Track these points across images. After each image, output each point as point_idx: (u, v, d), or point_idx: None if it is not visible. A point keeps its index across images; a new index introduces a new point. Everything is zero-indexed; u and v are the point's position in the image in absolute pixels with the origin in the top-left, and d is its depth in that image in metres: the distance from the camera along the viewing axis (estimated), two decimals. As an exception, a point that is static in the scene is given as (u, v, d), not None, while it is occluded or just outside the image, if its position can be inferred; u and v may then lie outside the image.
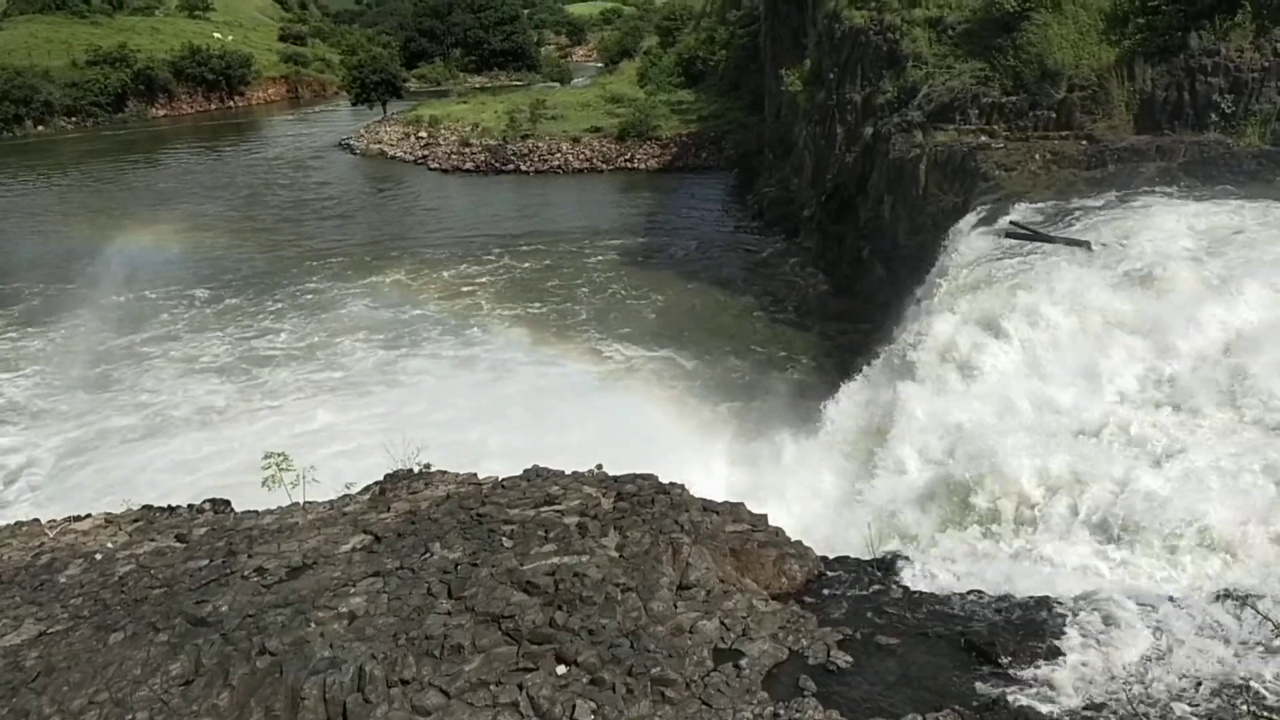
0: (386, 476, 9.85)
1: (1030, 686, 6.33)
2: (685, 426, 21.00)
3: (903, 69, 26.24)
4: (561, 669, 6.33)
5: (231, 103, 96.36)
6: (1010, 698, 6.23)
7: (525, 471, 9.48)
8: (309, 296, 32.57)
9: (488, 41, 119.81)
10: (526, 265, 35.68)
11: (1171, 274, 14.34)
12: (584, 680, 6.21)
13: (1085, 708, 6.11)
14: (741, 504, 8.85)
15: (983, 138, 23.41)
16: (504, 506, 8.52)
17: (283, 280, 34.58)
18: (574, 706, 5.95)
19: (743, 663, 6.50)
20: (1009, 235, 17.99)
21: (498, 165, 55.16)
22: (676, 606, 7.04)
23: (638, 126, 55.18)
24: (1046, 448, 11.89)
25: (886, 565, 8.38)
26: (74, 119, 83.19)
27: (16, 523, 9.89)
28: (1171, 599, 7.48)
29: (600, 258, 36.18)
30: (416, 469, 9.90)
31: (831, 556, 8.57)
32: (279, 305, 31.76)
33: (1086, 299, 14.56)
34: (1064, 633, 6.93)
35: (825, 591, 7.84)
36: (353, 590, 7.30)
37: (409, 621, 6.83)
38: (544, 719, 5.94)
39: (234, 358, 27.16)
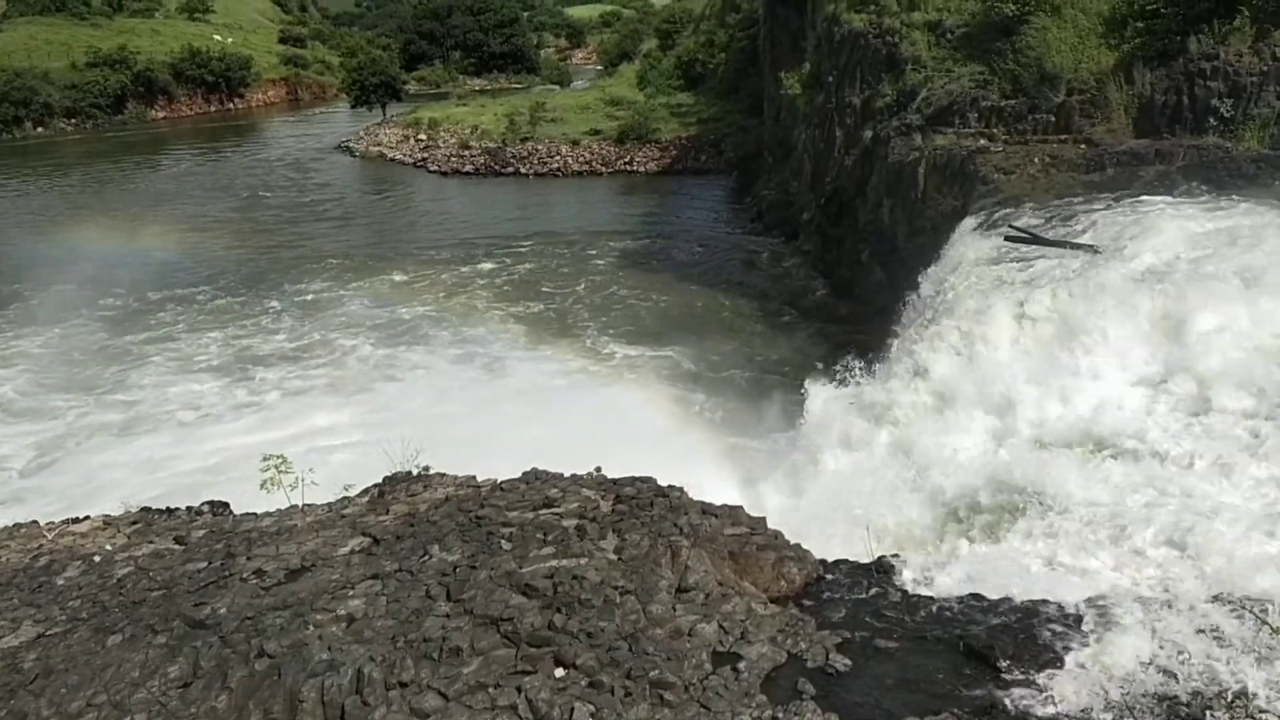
0: (385, 479, 9.85)
1: (1029, 690, 6.33)
2: (685, 427, 21.03)
3: (902, 72, 26.24)
4: (560, 672, 6.32)
5: (231, 105, 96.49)
6: (1008, 701, 6.23)
7: (524, 474, 9.46)
8: (309, 297, 32.62)
9: (487, 44, 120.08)
10: (526, 266, 35.71)
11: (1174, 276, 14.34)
12: (583, 683, 6.20)
13: (1083, 711, 6.11)
14: (740, 507, 8.84)
15: (982, 141, 23.39)
16: (503, 509, 8.51)
17: (282, 281, 34.63)
18: (572, 709, 5.94)
19: (741, 666, 6.49)
20: (1009, 239, 17.99)
21: (497, 168, 55.17)
22: (675, 609, 7.03)
23: (637, 129, 55.18)
24: (1047, 450, 11.89)
25: (885, 568, 8.36)
26: (73, 121, 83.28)
27: (15, 524, 9.90)
28: (1170, 603, 7.47)
29: (600, 260, 36.20)
30: (415, 471, 9.90)
31: (830, 559, 8.57)
32: (278, 305, 31.81)
33: (1089, 299, 14.56)
34: (1063, 636, 6.92)
35: (824, 595, 7.84)
36: (351, 593, 7.30)
37: (407, 624, 6.82)
38: (542, 722, 5.93)
39: (231, 357, 27.19)
